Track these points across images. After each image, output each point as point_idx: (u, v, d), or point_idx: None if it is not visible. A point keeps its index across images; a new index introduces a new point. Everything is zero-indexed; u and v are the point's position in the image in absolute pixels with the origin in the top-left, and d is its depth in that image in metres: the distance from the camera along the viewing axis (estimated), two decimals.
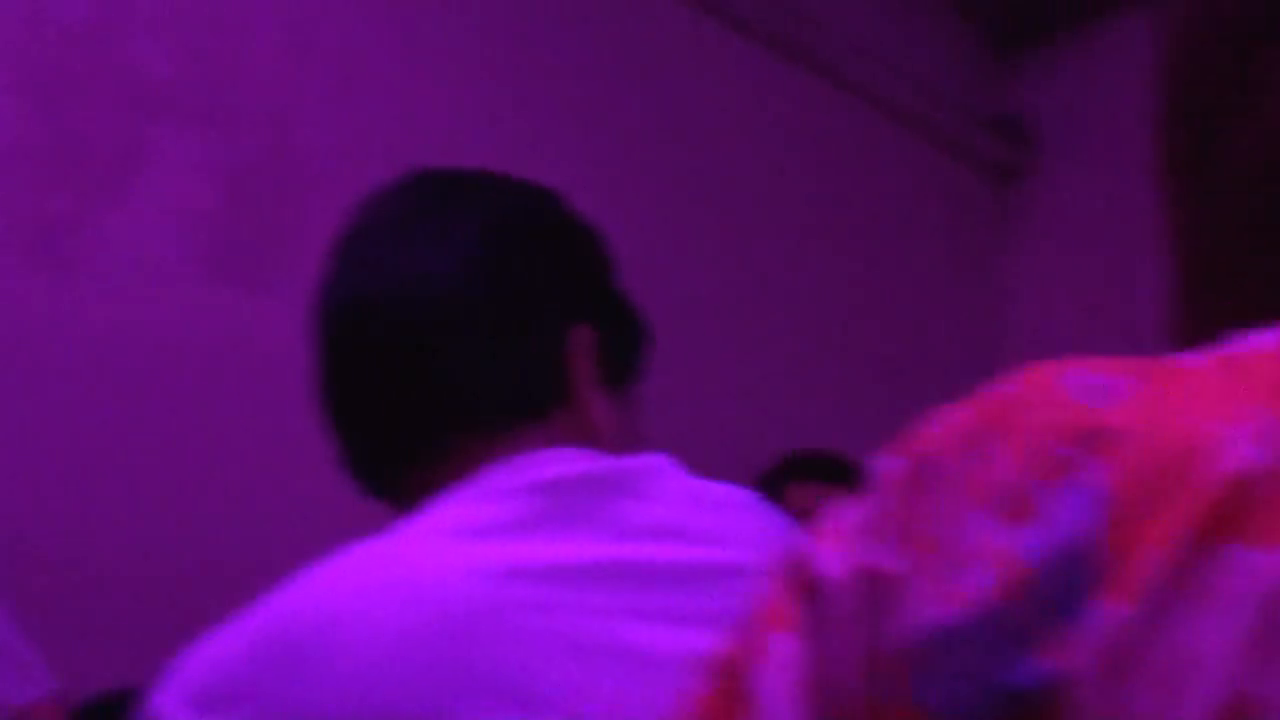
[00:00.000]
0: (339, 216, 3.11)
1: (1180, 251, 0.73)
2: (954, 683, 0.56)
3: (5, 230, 2.67)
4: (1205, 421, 0.55)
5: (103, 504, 2.74)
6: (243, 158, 3.00)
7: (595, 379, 1.09)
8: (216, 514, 2.89)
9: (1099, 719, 0.52)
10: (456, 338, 1.05)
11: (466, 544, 0.95)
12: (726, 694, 0.62)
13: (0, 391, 2.65)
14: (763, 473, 3.29)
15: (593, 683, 0.91)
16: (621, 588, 0.96)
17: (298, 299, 3.04)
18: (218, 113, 2.97)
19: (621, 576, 0.96)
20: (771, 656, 0.61)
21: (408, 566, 0.93)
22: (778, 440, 3.36)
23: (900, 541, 0.59)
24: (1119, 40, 4.93)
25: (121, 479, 2.77)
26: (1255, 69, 0.69)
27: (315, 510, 2.98)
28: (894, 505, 0.60)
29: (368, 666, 0.88)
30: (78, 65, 2.78)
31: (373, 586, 0.92)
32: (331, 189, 3.13)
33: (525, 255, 1.09)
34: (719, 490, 1.06)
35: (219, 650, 0.93)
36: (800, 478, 3.27)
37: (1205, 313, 0.71)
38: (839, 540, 0.62)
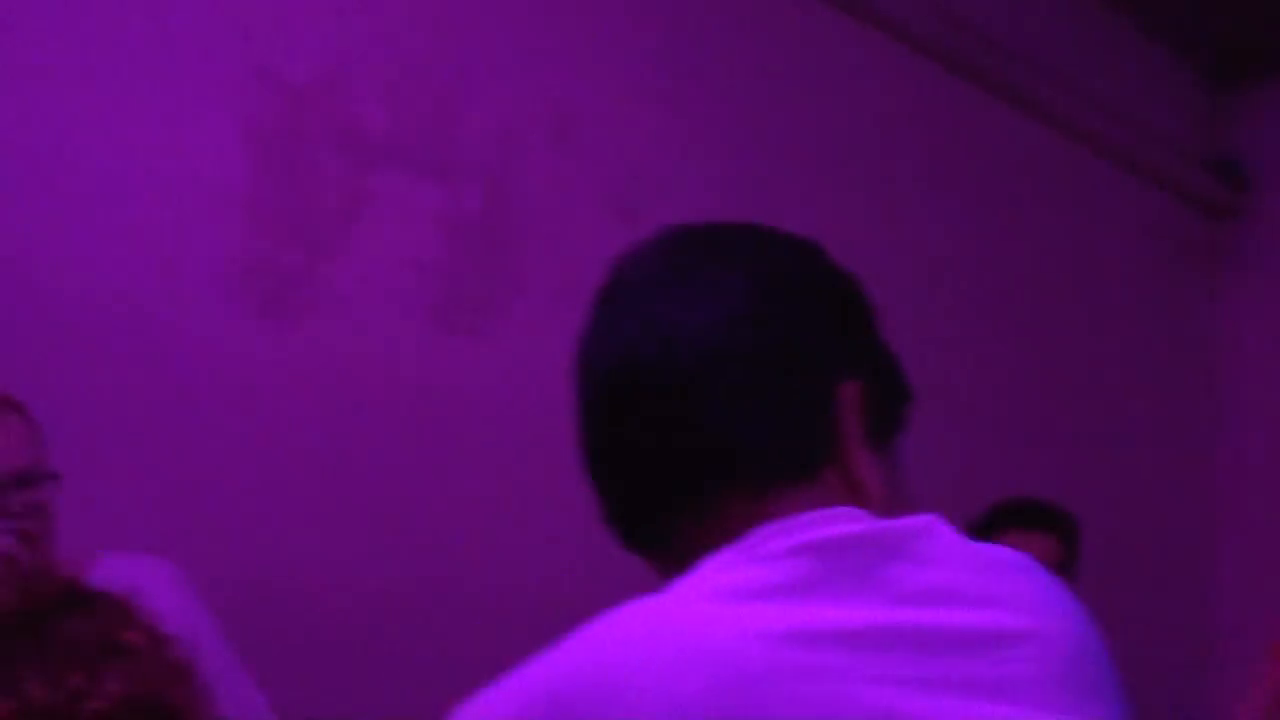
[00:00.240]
0: (557, 263, 3.14)
1: None
2: None
3: (237, 280, 2.74)
4: None
5: (334, 546, 2.79)
6: (463, 207, 3.05)
7: (862, 436, 1.07)
8: (446, 556, 2.92)
9: None
10: (726, 393, 1.04)
11: (741, 607, 0.94)
12: None
13: (232, 438, 2.72)
14: (972, 520, 3.23)
15: None
16: (900, 654, 0.94)
17: (519, 345, 3.07)
18: (438, 163, 3.02)
19: (899, 642, 0.94)
20: None
21: (683, 629, 0.92)
22: (992, 488, 3.30)
23: None
24: None
25: (352, 523, 2.82)
26: None
27: (540, 553, 3.00)
28: None
29: None
30: (303, 120, 2.86)
31: (648, 649, 0.91)
32: (549, 236, 3.16)
33: (793, 309, 1.08)
34: (993, 552, 1.03)
35: (489, 708, 0.93)
36: (1009, 526, 3.21)
37: None
38: None
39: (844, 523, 1.00)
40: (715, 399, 1.04)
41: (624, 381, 1.07)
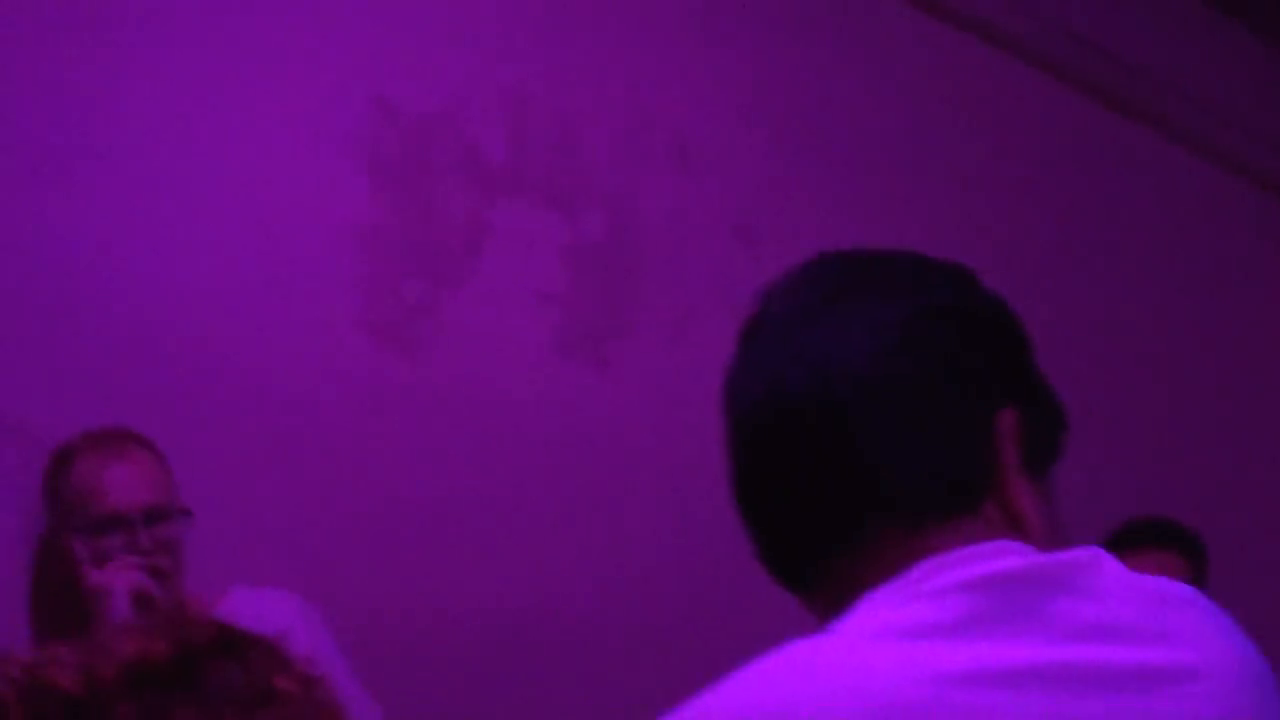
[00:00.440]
0: (679, 288, 3.13)
1: None
2: None
3: (362, 311, 2.76)
4: None
5: (458, 577, 2.79)
6: (585, 234, 3.05)
7: (1020, 466, 1.04)
8: (572, 586, 2.91)
9: None
10: (883, 425, 1.01)
11: (905, 646, 0.92)
12: None
13: (357, 469, 2.73)
14: (1100, 540, 3.18)
15: None
16: (1068, 692, 0.91)
17: (642, 372, 3.06)
18: (559, 192, 3.02)
19: (1068, 680, 0.92)
20: None
21: (847, 669, 0.91)
22: (1126, 506, 3.23)
23: None
24: None
25: (475, 551, 2.82)
26: None
27: (666, 583, 2.98)
28: None
29: None
30: (425, 151, 2.87)
31: (816, 689, 0.90)
32: (671, 262, 3.15)
33: (948, 338, 1.05)
34: (1159, 585, 1.00)
35: None
36: (1138, 545, 3.15)
37: None
38: None
39: (1006, 557, 0.97)
40: (871, 431, 1.01)
41: (774, 415, 1.05)
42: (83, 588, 2.30)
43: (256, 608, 2.29)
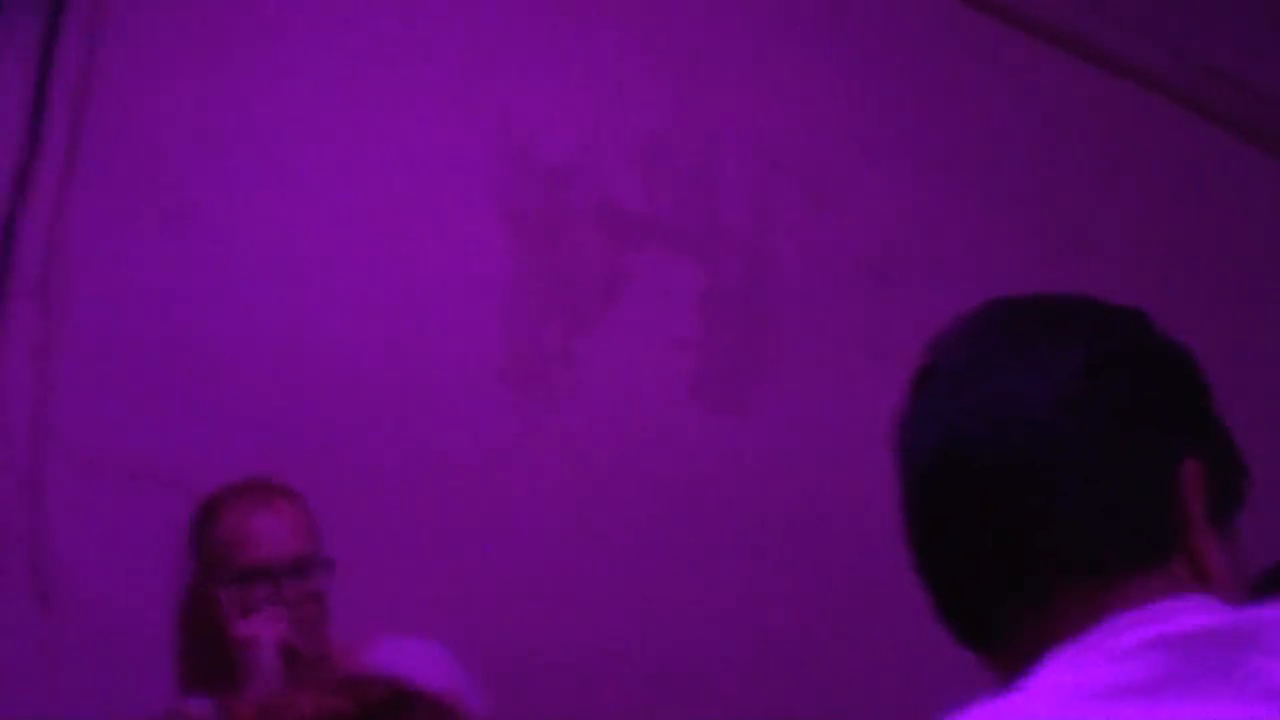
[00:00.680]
0: (815, 334, 3.10)
1: None
2: None
3: (502, 360, 2.76)
4: None
5: (599, 625, 2.78)
6: (719, 281, 3.03)
7: (1206, 517, 1.00)
8: (713, 634, 2.88)
9: None
10: (1065, 477, 0.98)
11: (1099, 707, 0.88)
12: None
13: (497, 518, 2.73)
14: (1256, 576, 3.08)
15: None
16: None
17: (778, 419, 3.03)
18: (693, 239, 3.01)
19: None
20: None
21: None
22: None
23: None
24: None
25: (613, 598, 2.81)
26: None
27: (808, 631, 2.94)
28: None
29: None
30: (560, 199, 2.88)
31: None
32: (807, 306, 3.12)
33: (1130, 385, 1.01)
34: None
35: None
36: None
37: None
38: None
39: (1199, 613, 0.93)
40: (1052, 484, 0.98)
41: (950, 467, 1.02)
42: (229, 638, 2.32)
43: (407, 659, 2.29)
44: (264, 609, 2.31)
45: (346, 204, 2.67)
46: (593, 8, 2.98)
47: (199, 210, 2.56)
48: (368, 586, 2.46)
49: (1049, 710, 0.89)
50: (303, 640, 2.31)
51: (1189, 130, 3.89)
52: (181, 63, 2.59)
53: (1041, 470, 0.98)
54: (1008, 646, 1.01)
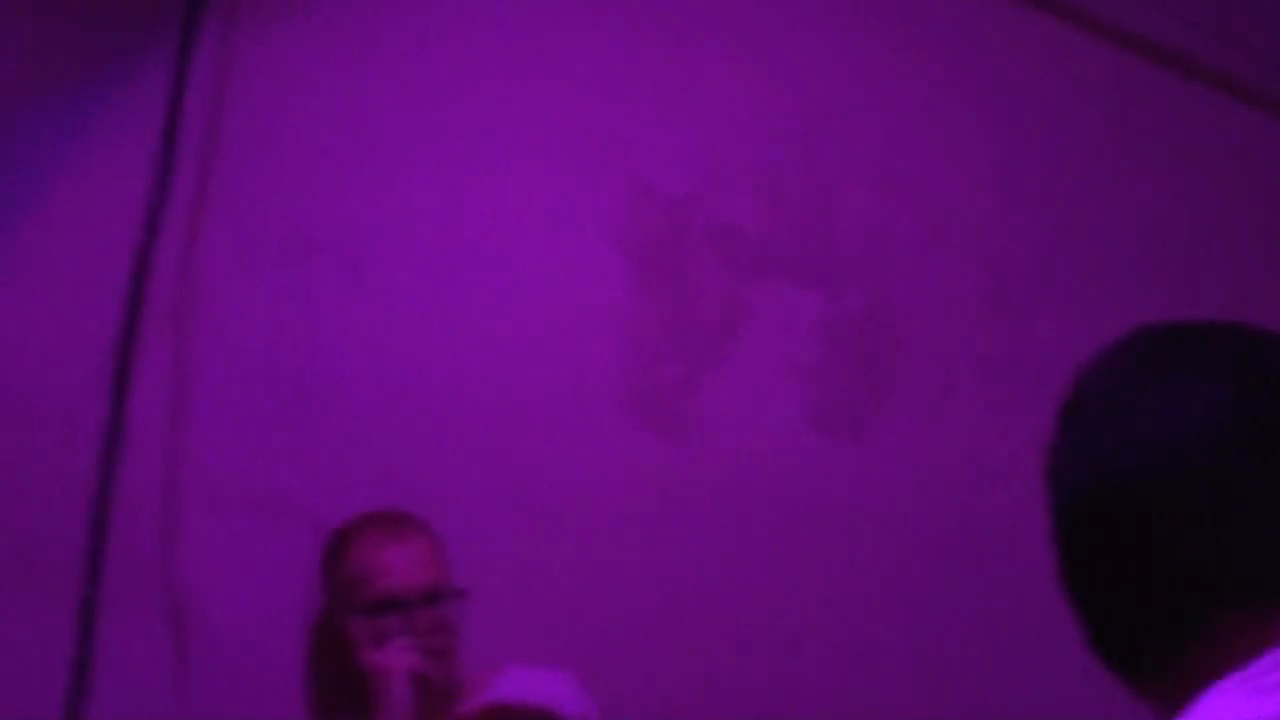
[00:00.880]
0: (937, 364, 3.07)
1: None
2: None
3: (625, 393, 2.76)
4: None
5: (720, 655, 2.76)
6: (840, 311, 3.02)
7: None
8: (842, 667, 2.86)
9: None
10: (1219, 509, 0.97)
11: None
12: None
13: (624, 549, 2.72)
14: None
15: None
16: None
17: (899, 448, 3.01)
18: (814, 269, 3.00)
19: None
20: None
21: None
22: None
23: None
24: None
25: (737, 630, 2.79)
26: None
27: (941, 665, 2.91)
28: None
29: None
30: (681, 230, 2.87)
31: None
32: (928, 337, 3.10)
33: None
34: None
35: None
36: None
37: None
38: None
39: None
40: (1207, 515, 0.97)
41: (1102, 498, 1.01)
42: (361, 669, 2.32)
43: (543, 687, 2.28)
44: (395, 639, 2.31)
45: (469, 236, 2.68)
46: (711, 40, 2.98)
47: (326, 243, 2.57)
48: (492, 616, 2.46)
49: None
50: (434, 670, 2.31)
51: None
52: (308, 97, 2.61)
53: (1193, 503, 0.97)
54: (1167, 680, 0.99)
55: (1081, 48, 3.47)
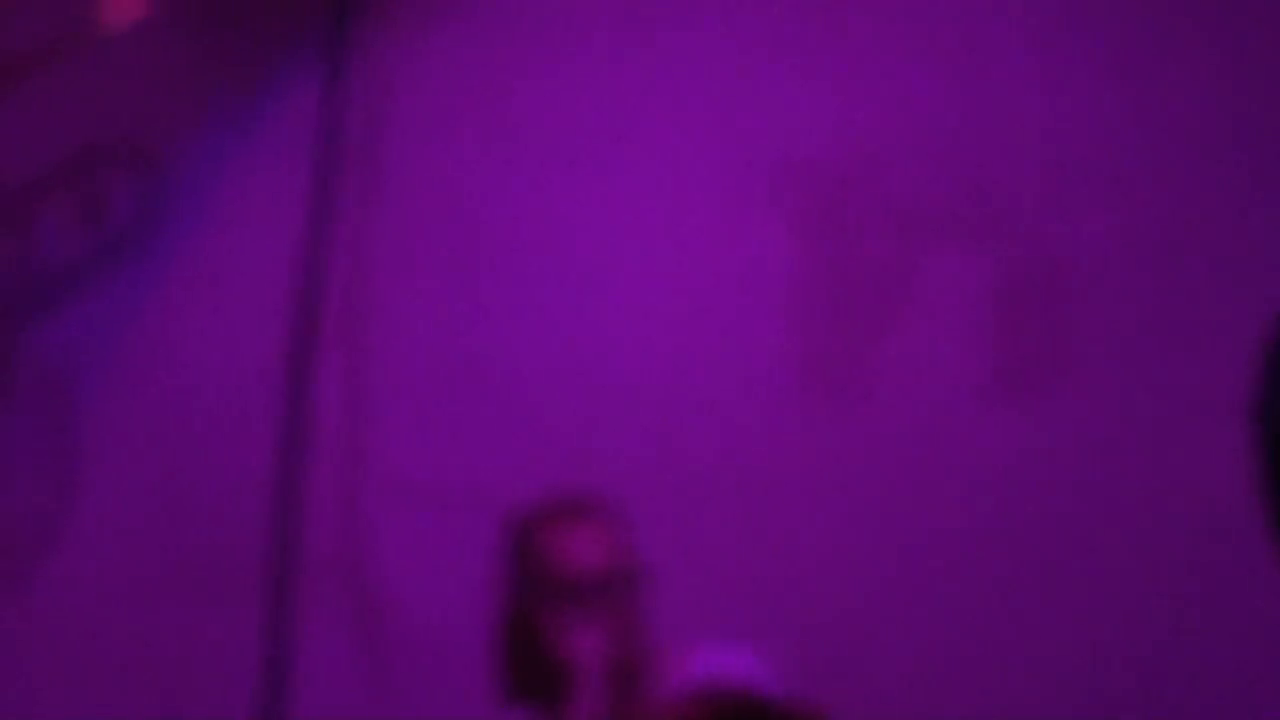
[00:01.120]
0: (1112, 328, 3.01)
1: None
2: None
3: (795, 364, 2.74)
4: None
5: (904, 630, 2.74)
6: (1011, 277, 2.97)
7: None
8: (1023, 640, 2.82)
9: None
10: None
11: None
12: None
13: (794, 520, 2.71)
14: None
15: None
16: None
17: (1072, 413, 2.95)
18: (984, 235, 2.95)
19: None
20: None
21: None
22: None
23: None
24: None
25: (920, 603, 2.77)
26: None
27: (1110, 645, 2.86)
28: None
29: None
30: (846, 204, 2.85)
31: None
32: (1100, 299, 3.03)
33: None
34: None
35: None
36: None
37: None
38: None
39: None
40: None
41: None
42: (551, 656, 2.32)
43: (736, 667, 2.27)
44: (584, 624, 2.31)
45: (632, 221, 2.68)
46: (875, 6, 2.94)
47: (490, 233, 2.59)
48: (675, 596, 2.45)
49: None
50: (624, 653, 2.31)
51: None
52: (463, 105, 2.63)
53: None
54: None
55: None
